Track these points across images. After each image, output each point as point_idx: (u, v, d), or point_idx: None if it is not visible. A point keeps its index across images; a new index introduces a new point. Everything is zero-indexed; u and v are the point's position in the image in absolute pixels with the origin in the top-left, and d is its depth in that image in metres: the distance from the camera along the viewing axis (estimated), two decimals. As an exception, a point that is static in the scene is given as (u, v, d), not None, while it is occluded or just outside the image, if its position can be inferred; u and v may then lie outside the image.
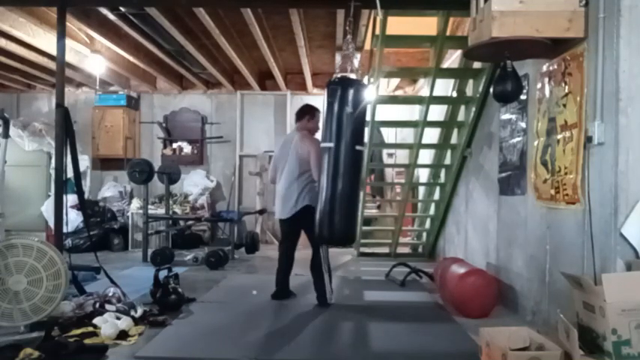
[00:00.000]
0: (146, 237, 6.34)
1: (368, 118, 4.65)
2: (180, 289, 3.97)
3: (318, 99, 8.18)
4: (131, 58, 6.71)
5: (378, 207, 8.17)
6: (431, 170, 6.49)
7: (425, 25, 5.18)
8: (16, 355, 2.72)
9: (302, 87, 8.26)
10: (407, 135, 7.79)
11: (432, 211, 6.52)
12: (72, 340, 3.00)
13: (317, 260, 4.11)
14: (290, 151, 4.20)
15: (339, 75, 3.95)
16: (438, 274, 4.47)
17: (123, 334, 3.16)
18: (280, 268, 4.33)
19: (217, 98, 8.62)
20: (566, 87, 3.02)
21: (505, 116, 4.21)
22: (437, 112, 5.78)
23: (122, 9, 4.99)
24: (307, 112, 4.37)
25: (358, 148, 3.73)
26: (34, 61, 6.56)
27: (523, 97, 3.69)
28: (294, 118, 4.44)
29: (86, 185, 7.65)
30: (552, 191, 3.18)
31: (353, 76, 3.93)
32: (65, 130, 4.22)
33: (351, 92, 3.67)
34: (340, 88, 3.70)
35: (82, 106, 8.39)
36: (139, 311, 3.53)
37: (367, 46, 5.72)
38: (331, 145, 3.70)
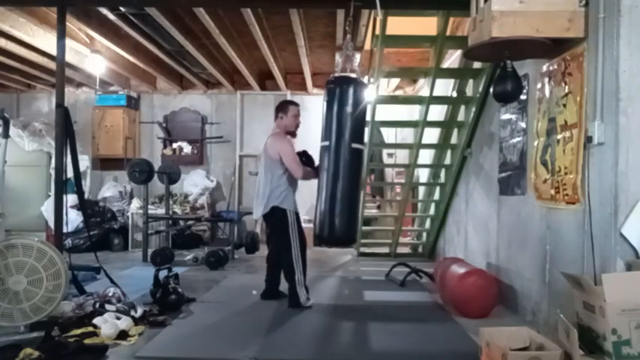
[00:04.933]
0: (146, 237, 6.34)
1: (368, 118, 4.63)
2: (180, 289, 3.97)
3: (319, 99, 8.25)
4: (131, 58, 6.71)
5: (378, 207, 8.17)
6: (431, 170, 6.49)
7: (425, 25, 5.18)
8: (16, 355, 2.72)
9: (302, 87, 8.26)
10: (407, 135, 7.79)
11: (432, 211, 6.52)
12: (72, 340, 3.00)
13: (287, 262, 3.99)
14: (263, 153, 4.18)
15: (337, 74, 3.92)
16: (438, 274, 4.47)
17: (123, 334, 3.16)
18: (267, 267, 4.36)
19: (217, 98, 8.62)
20: (566, 87, 3.02)
21: (505, 116, 4.21)
22: (437, 112, 5.78)
23: (122, 9, 4.99)
24: (279, 110, 4.24)
25: (358, 146, 3.71)
26: (34, 61, 6.56)
27: (523, 97, 3.69)
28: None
29: (86, 185, 7.65)
30: (552, 191, 3.18)
31: (352, 75, 3.91)
32: (65, 130, 4.22)
33: (350, 90, 3.66)
34: (339, 86, 3.69)
35: (82, 106, 8.39)
36: (139, 311, 3.53)
37: (367, 46, 5.72)
38: (328, 143, 3.68)
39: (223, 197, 8.53)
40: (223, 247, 6.19)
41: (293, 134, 4.24)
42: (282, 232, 3.99)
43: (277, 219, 4.02)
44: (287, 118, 4.17)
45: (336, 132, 3.65)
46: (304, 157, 4.28)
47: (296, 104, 4.32)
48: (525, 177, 3.71)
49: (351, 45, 3.97)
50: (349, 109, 3.62)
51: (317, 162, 4.03)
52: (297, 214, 4.07)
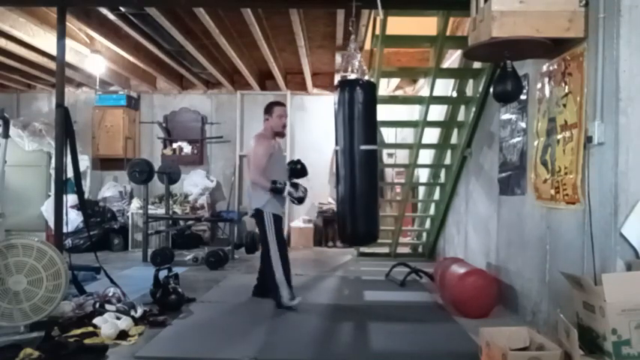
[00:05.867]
0: (146, 237, 6.34)
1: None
2: (180, 289, 3.97)
3: (319, 99, 8.28)
4: (131, 58, 6.71)
5: (379, 207, 8.16)
6: (431, 170, 6.49)
7: (425, 25, 5.18)
8: (16, 355, 2.72)
9: (302, 87, 8.25)
10: (407, 135, 7.79)
11: (432, 211, 6.52)
12: (72, 340, 3.00)
13: (267, 262, 4.02)
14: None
15: (347, 75, 3.95)
16: (438, 274, 4.47)
17: (123, 334, 3.16)
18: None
19: (217, 98, 8.62)
20: (566, 87, 3.02)
21: (505, 116, 4.21)
22: (437, 112, 5.78)
23: (122, 9, 4.99)
24: (265, 112, 4.23)
25: (370, 147, 3.76)
26: (34, 61, 6.56)
27: (523, 97, 3.69)
28: None
29: (86, 185, 7.65)
30: (552, 191, 3.18)
31: (359, 76, 3.93)
32: (65, 130, 4.22)
33: (357, 92, 3.70)
34: (346, 89, 3.72)
35: (82, 106, 8.39)
36: (139, 311, 3.54)
37: (367, 46, 5.71)
38: (341, 146, 3.74)
39: (223, 197, 8.52)
40: (223, 247, 6.19)
41: (281, 134, 4.29)
42: (262, 233, 4.06)
43: (258, 220, 4.08)
44: (272, 119, 4.19)
45: (349, 135, 3.70)
46: (299, 165, 4.34)
47: (281, 104, 4.35)
48: (525, 177, 3.71)
49: (355, 45, 3.98)
50: (358, 110, 3.66)
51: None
52: (275, 216, 4.04)
